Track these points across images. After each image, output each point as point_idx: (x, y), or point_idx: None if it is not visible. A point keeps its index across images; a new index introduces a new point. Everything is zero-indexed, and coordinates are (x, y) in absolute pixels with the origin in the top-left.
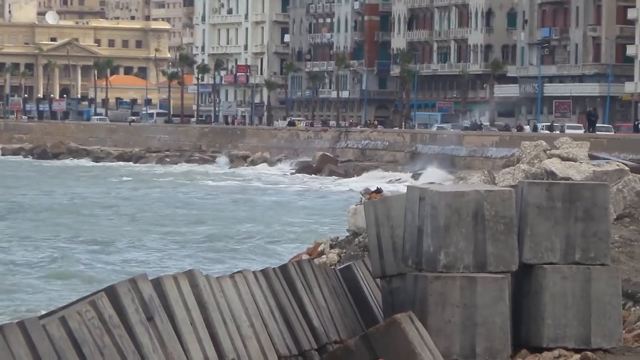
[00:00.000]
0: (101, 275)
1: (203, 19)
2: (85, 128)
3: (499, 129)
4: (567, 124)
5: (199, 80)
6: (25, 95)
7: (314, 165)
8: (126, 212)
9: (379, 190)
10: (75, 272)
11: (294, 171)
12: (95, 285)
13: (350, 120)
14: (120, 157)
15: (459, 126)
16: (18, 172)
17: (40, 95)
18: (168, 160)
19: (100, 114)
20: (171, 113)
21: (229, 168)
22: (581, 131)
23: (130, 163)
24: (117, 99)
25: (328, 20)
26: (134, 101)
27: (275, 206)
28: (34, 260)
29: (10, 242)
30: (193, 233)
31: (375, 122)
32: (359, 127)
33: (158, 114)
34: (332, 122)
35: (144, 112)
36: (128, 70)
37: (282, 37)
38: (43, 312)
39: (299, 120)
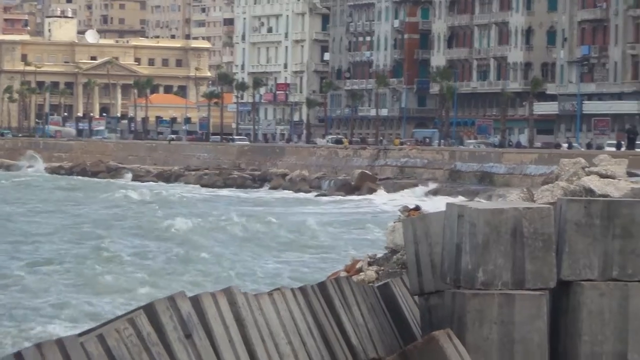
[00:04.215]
0: None
1: (243, 37)
2: (124, 147)
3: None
4: (607, 142)
5: (239, 99)
6: (65, 114)
7: (352, 183)
8: None
9: (417, 208)
10: None
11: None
12: None
13: (381, 138)
14: (160, 176)
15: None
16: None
17: (80, 114)
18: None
19: (241, 136)
20: (210, 131)
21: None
22: (622, 149)
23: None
24: (157, 117)
25: (368, 38)
26: (173, 120)
27: None
28: None
29: None
30: None
31: (427, 140)
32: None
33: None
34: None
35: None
36: (168, 89)
37: (322, 56)
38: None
39: (345, 138)
